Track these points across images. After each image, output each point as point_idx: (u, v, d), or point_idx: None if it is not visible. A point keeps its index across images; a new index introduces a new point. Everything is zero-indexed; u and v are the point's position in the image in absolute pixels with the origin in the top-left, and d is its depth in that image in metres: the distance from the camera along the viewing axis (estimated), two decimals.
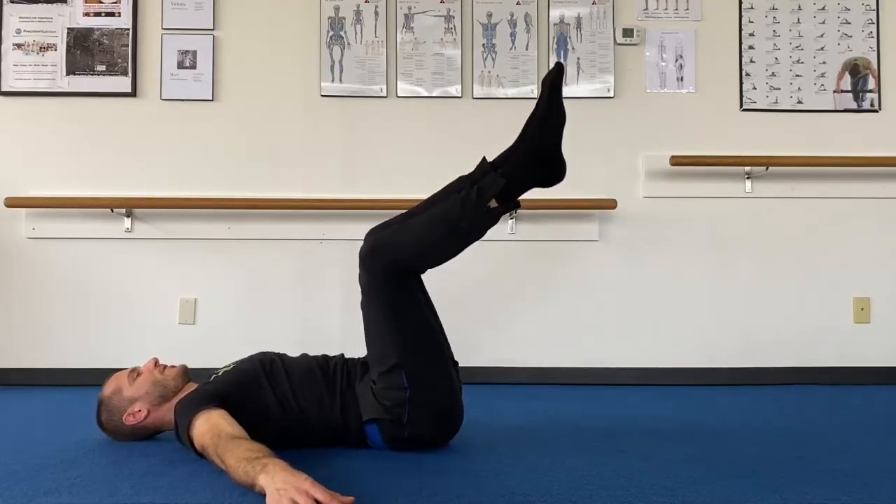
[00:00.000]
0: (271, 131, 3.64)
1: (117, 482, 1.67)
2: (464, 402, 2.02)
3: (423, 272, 2.01)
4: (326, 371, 2.05)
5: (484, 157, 2.03)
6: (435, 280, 2.11)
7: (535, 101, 1.93)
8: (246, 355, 2.13)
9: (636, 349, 3.59)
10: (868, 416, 2.67)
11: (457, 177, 2.03)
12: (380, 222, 2.07)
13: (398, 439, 1.95)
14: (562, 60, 3.65)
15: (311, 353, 2.16)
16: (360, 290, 2.00)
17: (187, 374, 2.10)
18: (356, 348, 2.08)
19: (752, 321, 3.61)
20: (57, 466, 1.82)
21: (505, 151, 1.97)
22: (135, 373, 2.07)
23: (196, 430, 1.76)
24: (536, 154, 1.90)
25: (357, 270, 1.97)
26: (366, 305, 1.99)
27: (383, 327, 1.95)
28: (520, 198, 1.95)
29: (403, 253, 1.93)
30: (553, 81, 1.88)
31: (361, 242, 2.06)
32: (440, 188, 2.05)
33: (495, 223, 1.95)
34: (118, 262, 3.59)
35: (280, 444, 1.76)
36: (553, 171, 1.93)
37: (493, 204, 1.91)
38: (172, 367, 2.10)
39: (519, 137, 1.95)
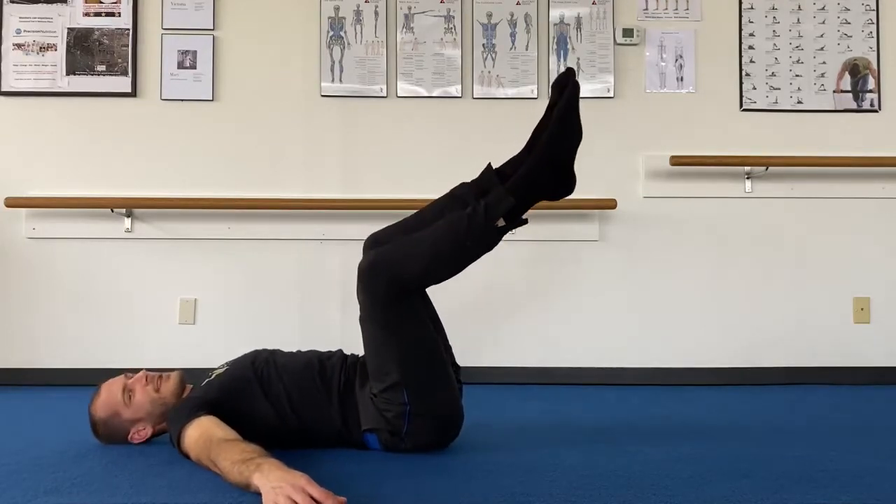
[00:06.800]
0: (271, 131, 3.64)
1: (117, 482, 1.67)
2: (463, 405, 2.01)
3: (425, 289, 1.98)
4: (323, 374, 2.00)
5: (489, 166, 1.99)
6: None
7: (546, 109, 1.89)
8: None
9: (636, 349, 3.59)
10: (868, 416, 2.67)
11: (459, 182, 2.01)
12: (379, 228, 2.05)
13: (397, 448, 1.94)
14: (562, 60, 3.65)
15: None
16: (357, 300, 1.94)
17: (183, 381, 2.04)
18: (356, 348, 2.07)
19: (752, 321, 3.60)
20: (57, 466, 1.82)
21: (513, 162, 1.94)
22: (127, 393, 1.97)
23: (187, 440, 1.75)
24: (548, 170, 1.86)
25: (354, 279, 1.92)
26: (365, 321, 1.94)
27: (383, 346, 1.90)
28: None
29: (405, 271, 1.87)
30: (571, 100, 1.84)
31: (361, 242, 2.04)
32: (443, 194, 2.02)
33: (500, 240, 1.91)
34: (118, 262, 3.59)
35: (276, 447, 1.74)
36: (564, 185, 1.91)
37: (500, 222, 1.87)
38: (168, 377, 2.02)
39: (528, 148, 1.92)
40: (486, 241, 1.88)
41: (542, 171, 1.87)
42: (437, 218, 1.93)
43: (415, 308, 1.92)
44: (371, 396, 1.92)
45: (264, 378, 1.98)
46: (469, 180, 2.01)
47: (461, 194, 1.97)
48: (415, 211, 2.08)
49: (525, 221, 1.93)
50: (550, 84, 1.93)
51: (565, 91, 1.85)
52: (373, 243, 2.02)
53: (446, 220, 1.90)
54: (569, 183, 1.91)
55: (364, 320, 1.94)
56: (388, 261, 1.88)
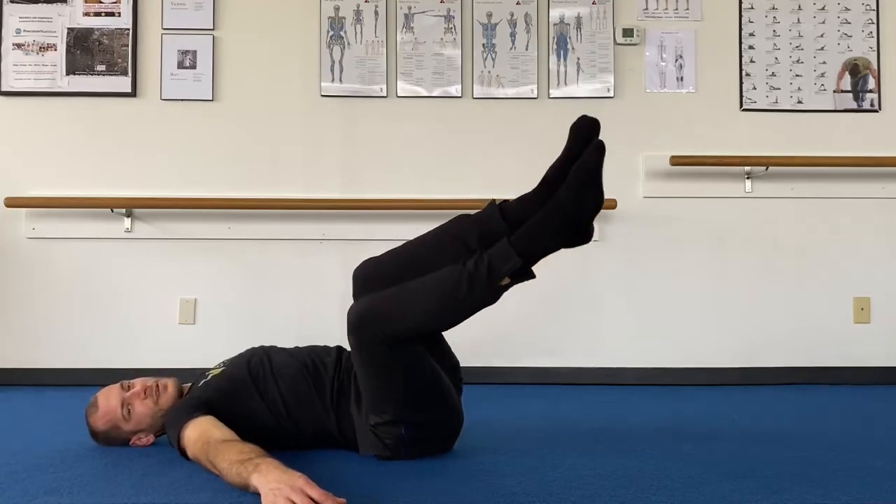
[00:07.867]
0: (271, 131, 3.64)
1: (117, 482, 1.67)
2: (462, 409, 1.99)
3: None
4: (318, 378, 1.97)
5: (493, 203, 1.84)
6: None
7: (564, 157, 1.75)
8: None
9: (636, 349, 3.59)
10: (868, 416, 2.67)
11: (459, 214, 1.89)
12: (370, 257, 1.95)
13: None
14: (561, 60, 3.65)
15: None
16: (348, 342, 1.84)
17: (180, 387, 2.03)
18: None
19: (752, 321, 3.60)
20: (57, 466, 1.82)
21: (522, 203, 1.80)
22: (126, 407, 1.96)
23: (186, 440, 1.74)
24: (562, 231, 1.74)
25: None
26: (357, 362, 1.84)
27: (377, 388, 1.83)
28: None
29: (397, 328, 1.75)
30: (596, 164, 1.71)
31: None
32: (441, 226, 1.90)
33: (502, 295, 1.78)
34: (118, 262, 3.59)
35: (274, 448, 1.73)
36: (579, 239, 1.78)
37: (505, 281, 1.74)
38: (164, 387, 1.99)
39: (541, 194, 1.76)
40: (487, 299, 1.78)
41: (556, 232, 1.75)
42: (433, 262, 1.80)
43: (410, 346, 1.80)
44: (370, 427, 1.86)
45: (259, 379, 1.96)
46: (471, 214, 1.87)
47: (462, 235, 1.83)
48: (412, 238, 1.96)
49: (532, 276, 1.77)
50: (570, 126, 1.79)
51: (588, 149, 1.71)
52: (363, 282, 1.90)
53: (444, 274, 1.76)
54: (584, 237, 1.78)
55: (357, 361, 1.85)
56: (378, 315, 1.76)
